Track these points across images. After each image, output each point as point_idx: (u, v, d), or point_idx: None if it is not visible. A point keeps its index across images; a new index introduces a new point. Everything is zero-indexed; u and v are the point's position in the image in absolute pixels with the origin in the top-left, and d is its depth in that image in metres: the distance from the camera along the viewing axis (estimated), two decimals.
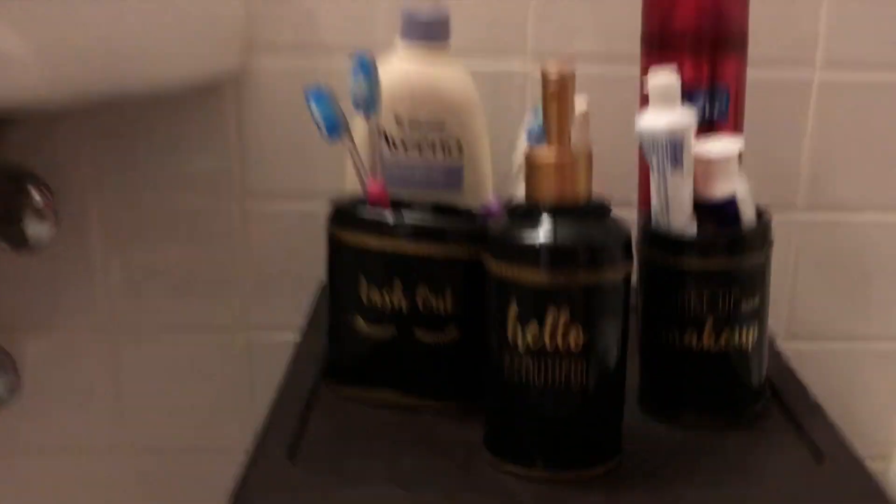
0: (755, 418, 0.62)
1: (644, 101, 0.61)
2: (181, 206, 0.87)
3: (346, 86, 0.61)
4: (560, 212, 0.53)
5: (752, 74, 0.70)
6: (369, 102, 0.61)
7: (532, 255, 0.52)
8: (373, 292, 0.61)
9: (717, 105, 0.67)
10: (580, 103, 0.63)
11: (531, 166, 0.54)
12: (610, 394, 0.56)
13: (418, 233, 0.60)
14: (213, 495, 0.60)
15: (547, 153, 0.53)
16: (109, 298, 0.89)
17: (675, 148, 0.58)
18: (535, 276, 0.52)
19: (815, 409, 0.64)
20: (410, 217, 0.60)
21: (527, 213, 0.54)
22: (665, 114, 0.58)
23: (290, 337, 0.74)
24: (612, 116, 0.68)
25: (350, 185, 0.67)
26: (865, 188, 0.87)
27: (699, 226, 0.60)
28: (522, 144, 0.63)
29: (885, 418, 0.92)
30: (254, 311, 0.90)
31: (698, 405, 0.62)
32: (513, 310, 0.53)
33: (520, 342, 0.53)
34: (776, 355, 0.71)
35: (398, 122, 0.67)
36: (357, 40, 0.81)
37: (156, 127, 0.85)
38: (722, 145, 0.60)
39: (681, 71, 0.61)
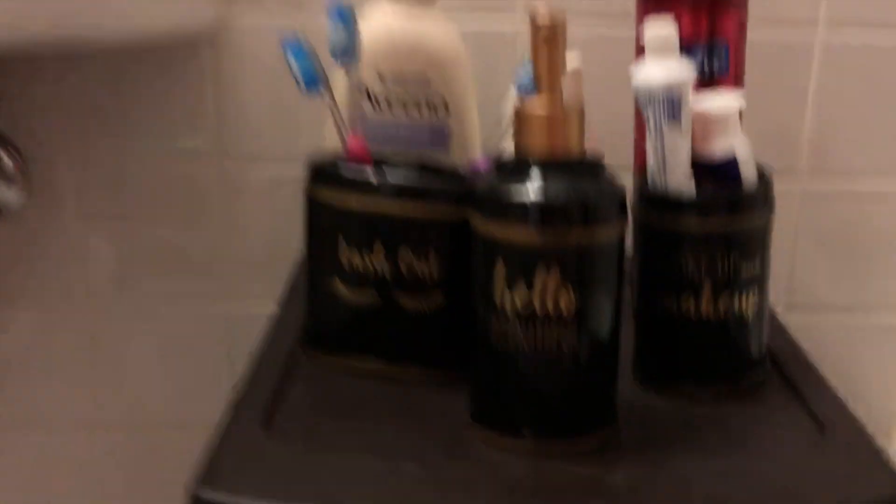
0: (755, 388, 0.60)
1: (640, 53, 0.58)
2: (157, 170, 0.84)
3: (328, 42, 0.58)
4: (551, 167, 0.50)
5: (753, 35, 0.66)
6: (348, 52, 0.58)
7: (521, 212, 0.49)
8: (353, 255, 0.58)
9: (717, 61, 0.64)
10: (573, 60, 0.60)
11: (520, 118, 0.51)
12: (603, 361, 0.53)
13: (401, 191, 0.57)
14: (192, 471, 0.57)
15: (537, 104, 0.50)
16: (83, 268, 0.86)
17: (672, 102, 0.55)
18: (524, 235, 0.49)
19: (817, 379, 0.61)
20: (393, 175, 0.57)
21: (516, 169, 0.51)
22: (662, 66, 0.55)
23: (271, 308, 0.71)
24: (606, 77, 0.65)
25: (330, 143, 0.64)
26: (870, 154, 0.85)
27: (697, 186, 0.57)
28: (512, 97, 0.60)
29: (886, 392, 0.90)
30: (233, 280, 0.87)
31: (696, 374, 0.59)
32: (500, 271, 0.50)
33: (507, 306, 0.50)
34: (776, 324, 0.68)
35: (381, 78, 0.64)
36: None
37: (129, 88, 0.82)
38: (722, 101, 0.58)
39: (679, 25, 0.58)
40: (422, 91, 0.64)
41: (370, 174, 0.57)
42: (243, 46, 0.80)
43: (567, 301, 0.50)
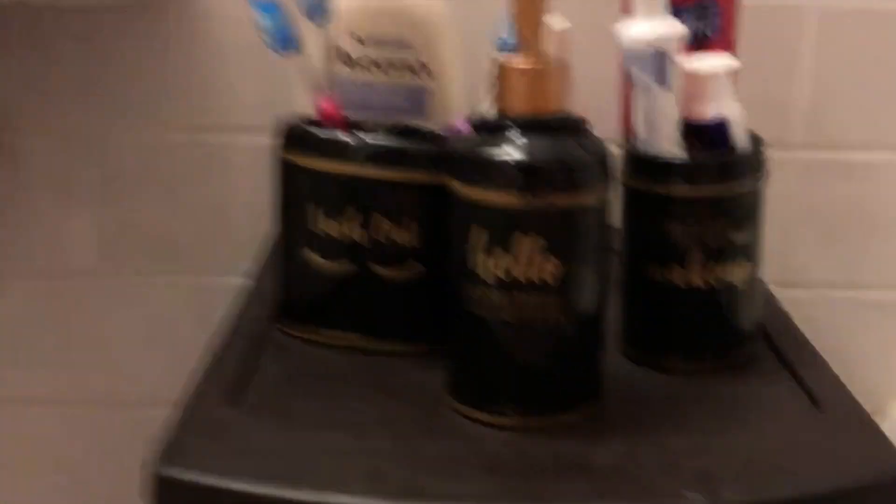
0: (746, 362, 0.58)
1: (626, 9, 0.55)
2: (124, 138, 0.81)
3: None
4: (533, 126, 0.48)
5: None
6: (319, 9, 0.55)
7: (501, 174, 0.47)
8: (326, 223, 0.56)
9: (707, 22, 0.61)
10: (559, 22, 0.57)
11: (501, 76, 0.48)
12: (588, 332, 0.51)
13: (376, 154, 0.54)
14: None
15: (518, 60, 0.48)
16: (51, 240, 0.83)
17: (660, 61, 0.52)
18: (505, 199, 0.47)
19: (811, 353, 0.59)
20: (368, 137, 0.55)
21: (495, 128, 0.48)
22: (649, 23, 0.52)
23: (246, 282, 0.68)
24: (590, 40, 0.62)
25: (304, 107, 0.61)
26: (866, 124, 0.82)
27: (686, 149, 0.55)
28: (492, 55, 0.57)
29: (880, 370, 0.88)
30: (206, 254, 0.84)
31: (684, 347, 0.57)
32: (479, 237, 0.48)
33: (487, 274, 0.48)
34: (768, 297, 0.66)
35: (357, 39, 0.61)
36: None
37: (94, 50, 0.79)
38: (712, 61, 0.55)
39: None
40: (401, 53, 0.61)
41: (344, 137, 0.54)
42: (212, 5, 0.77)
43: (549, 268, 0.48)
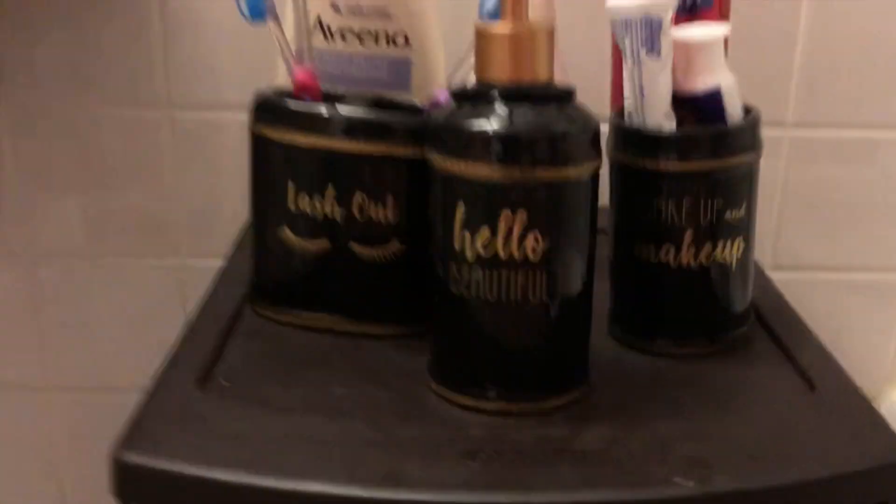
0: (739, 345, 0.56)
1: None
2: (99, 117, 0.79)
3: None
4: (516, 95, 0.45)
5: None
6: None
7: (482, 145, 0.45)
8: (302, 199, 0.53)
9: None
10: None
11: (482, 41, 0.46)
12: (574, 313, 0.48)
13: (355, 128, 0.52)
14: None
15: (501, 24, 0.45)
16: (22, 221, 0.81)
17: (650, 29, 0.50)
18: (487, 172, 0.45)
19: (806, 335, 0.57)
20: (345, 109, 0.52)
21: (476, 97, 0.46)
22: None
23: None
24: (582, 8, 0.60)
25: (281, 80, 0.58)
26: (863, 103, 0.80)
27: (678, 122, 0.52)
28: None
29: (875, 355, 0.87)
30: (184, 237, 0.82)
31: (675, 330, 0.55)
32: (460, 212, 0.46)
33: (468, 250, 0.46)
34: (762, 278, 0.64)
35: (335, 8, 0.58)
36: None
37: (68, 25, 0.76)
38: (705, 30, 0.53)
39: None
40: (381, 23, 0.59)
41: (320, 109, 0.52)
42: None
43: (534, 245, 0.45)
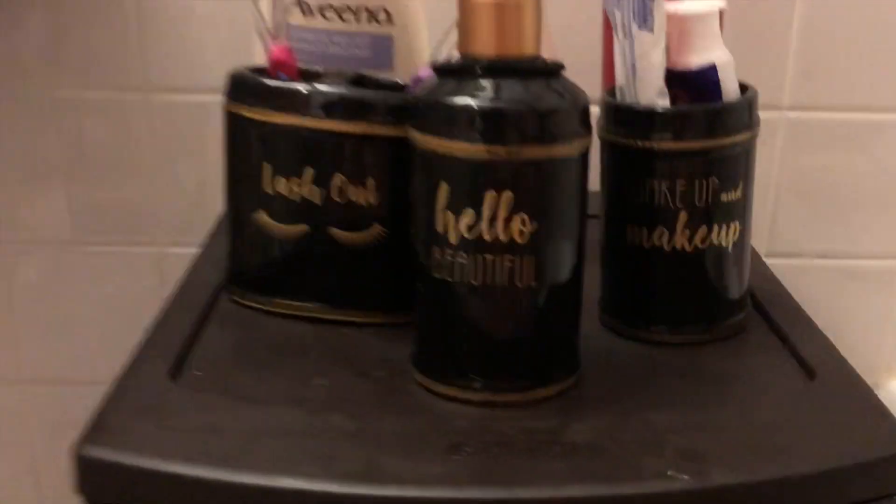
0: (736, 332, 0.54)
1: None
2: (74, 99, 0.77)
3: None
4: (501, 69, 0.43)
5: None
6: None
7: (466, 122, 0.43)
8: (279, 182, 0.51)
9: None
10: None
11: (466, 12, 0.44)
12: (563, 298, 0.47)
13: (333, 106, 0.50)
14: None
15: None
16: (9, 210, 0.80)
17: (643, 1, 0.48)
18: (471, 150, 0.43)
19: (804, 321, 0.56)
20: (324, 87, 0.50)
21: (460, 72, 0.44)
22: None
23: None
24: None
25: (258, 59, 0.56)
26: (860, 85, 0.78)
27: (672, 99, 0.51)
28: None
29: (873, 344, 0.86)
30: (167, 225, 0.80)
31: (669, 316, 0.53)
32: (443, 193, 0.44)
33: (452, 233, 0.44)
34: (758, 263, 0.62)
35: None
36: None
37: (42, 6, 0.74)
38: (700, 3, 0.51)
39: None
40: None
41: (298, 86, 0.50)
42: None
43: (521, 227, 0.43)
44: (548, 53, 0.45)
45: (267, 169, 0.51)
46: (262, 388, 0.47)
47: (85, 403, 0.78)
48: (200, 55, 0.75)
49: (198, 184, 0.79)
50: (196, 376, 0.47)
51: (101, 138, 0.78)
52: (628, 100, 0.51)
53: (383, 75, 0.56)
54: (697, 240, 0.51)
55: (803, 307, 0.58)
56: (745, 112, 0.51)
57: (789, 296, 0.59)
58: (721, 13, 0.51)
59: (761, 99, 0.53)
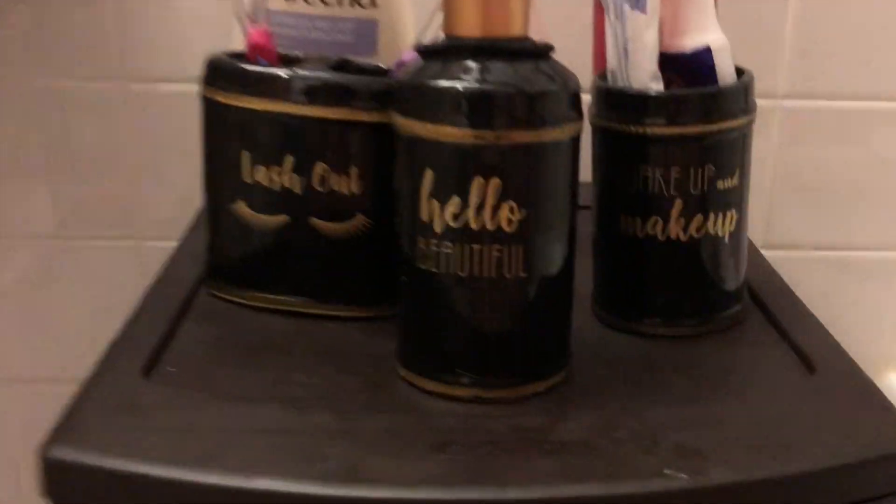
0: (733, 325, 0.53)
1: None
2: (51, 88, 0.75)
3: None
4: (488, 50, 0.42)
5: None
6: None
7: (451, 105, 0.41)
8: (258, 171, 0.50)
9: None
10: None
11: None
12: (554, 290, 0.45)
13: (315, 91, 0.48)
14: None
15: None
16: None
17: None
18: (456, 134, 0.41)
19: (804, 314, 0.54)
20: (305, 71, 0.48)
21: (445, 53, 0.42)
22: None
23: None
24: None
25: (237, 45, 0.54)
26: (857, 73, 0.77)
27: (666, 83, 0.49)
28: None
29: (871, 338, 0.85)
30: (143, 217, 0.79)
31: (664, 309, 0.52)
32: (427, 180, 0.42)
33: (437, 222, 0.42)
34: (755, 254, 0.61)
35: None
36: None
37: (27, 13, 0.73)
38: None
39: None
40: None
41: (278, 71, 0.48)
42: None
43: (509, 216, 0.42)
44: (536, 35, 0.44)
45: (246, 157, 0.50)
46: (241, 385, 0.45)
47: (64, 401, 0.76)
48: (184, 44, 0.74)
49: (186, 176, 0.77)
50: (171, 373, 0.45)
51: (83, 130, 0.77)
52: (620, 84, 0.49)
53: (367, 61, 0.54)
54: (693, 229, 0.50)
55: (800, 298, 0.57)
56: (741, 96, 0.49)
57: (787, 287, 0.58)
58: None
59: (756, 88, 0.51)
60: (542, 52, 0.43)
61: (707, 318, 0.52)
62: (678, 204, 0.49)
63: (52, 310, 0.82)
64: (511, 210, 0.42)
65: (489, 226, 0.42)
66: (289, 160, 0.49)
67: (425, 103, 0.41)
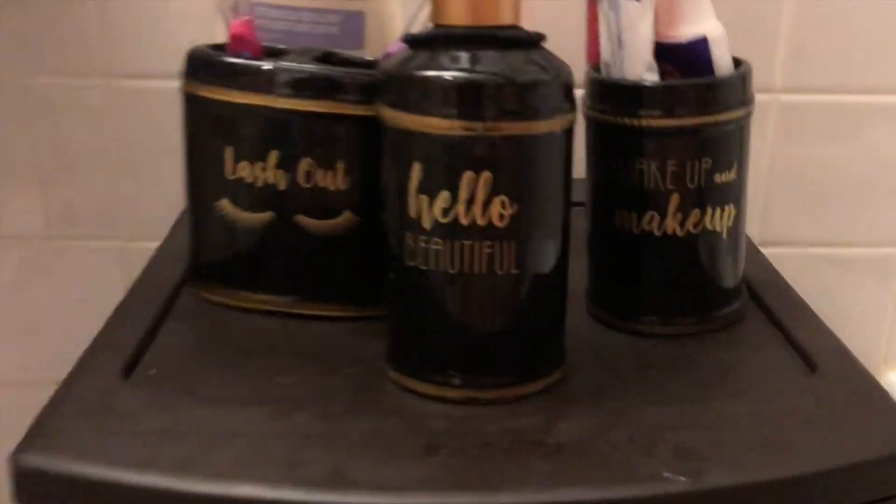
0: (732, 323, 0.52)
1: None
2: (33, 85, 0.74)
3: None
4: (478, 40, 0.40)
5: None
6: None
7: (440, 96, 0.40)
8: (242, 167, 0.48)
9: None
10: None
11: None
12: (547, 287, 0.44)
13: (300, 84, 0.47)
14: None
15: None
16: None
17: None
18: (446, 126, 0.40)
19: (804, 311, 0.53)
20: (289, 64, 0.47)
21: (433, 43, 0.41)
22: None
23: None
24: None
25: (219, 38, 0.53)
26: (854, 67, 0.76)
27: (661, 74, 0.48)
28: None
29: (870, 335, 0.84)
30: (127, 216, 0.77)
31: (661, 307, 0.51)
32: (416, 174, 0.41)
33: (426, 218, 0.41)
34: (753, 250, 0.60)
35: None
36: None
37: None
38: None
39: None
40: None
41: (261, 63, 0.47)
42: None
43: (500, 210, 0.41)
44: (527, 24, 0.42)
45: (229, 153, 0.48)
46: (223, 388, 0.44)
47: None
48: (170, 41, 0.72)
49: (174, 176, 0.76)
50: (150, 375, 0.44)
51: (68, 129, 0.76)
52: (614, 75, 0.48)
53: (355, 52, 0.53)
54: (690, 224, 0.48)
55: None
56: (738, 87, 0.48)
57: (787, 284, 0.57)
58: None
59: (753, 81, 0.50)
60: (533, 42, 0.41)
61: (705, 315, 0.51)
62: (675, 198, 0.48)
63: (39, 311, 0.80)
64: (503, 205, 0.40)
65: (480, 221, 0.40)
66: (273, 155, 0.48)
67: (413, 94, 0.40)
